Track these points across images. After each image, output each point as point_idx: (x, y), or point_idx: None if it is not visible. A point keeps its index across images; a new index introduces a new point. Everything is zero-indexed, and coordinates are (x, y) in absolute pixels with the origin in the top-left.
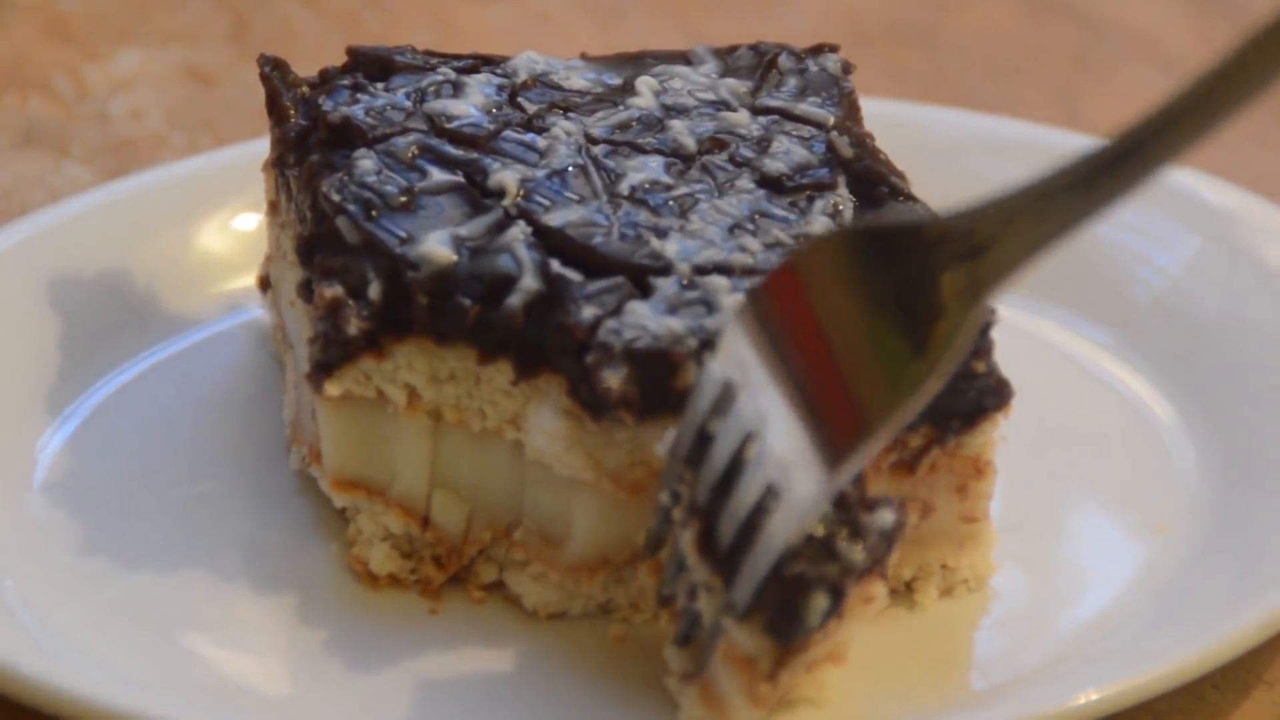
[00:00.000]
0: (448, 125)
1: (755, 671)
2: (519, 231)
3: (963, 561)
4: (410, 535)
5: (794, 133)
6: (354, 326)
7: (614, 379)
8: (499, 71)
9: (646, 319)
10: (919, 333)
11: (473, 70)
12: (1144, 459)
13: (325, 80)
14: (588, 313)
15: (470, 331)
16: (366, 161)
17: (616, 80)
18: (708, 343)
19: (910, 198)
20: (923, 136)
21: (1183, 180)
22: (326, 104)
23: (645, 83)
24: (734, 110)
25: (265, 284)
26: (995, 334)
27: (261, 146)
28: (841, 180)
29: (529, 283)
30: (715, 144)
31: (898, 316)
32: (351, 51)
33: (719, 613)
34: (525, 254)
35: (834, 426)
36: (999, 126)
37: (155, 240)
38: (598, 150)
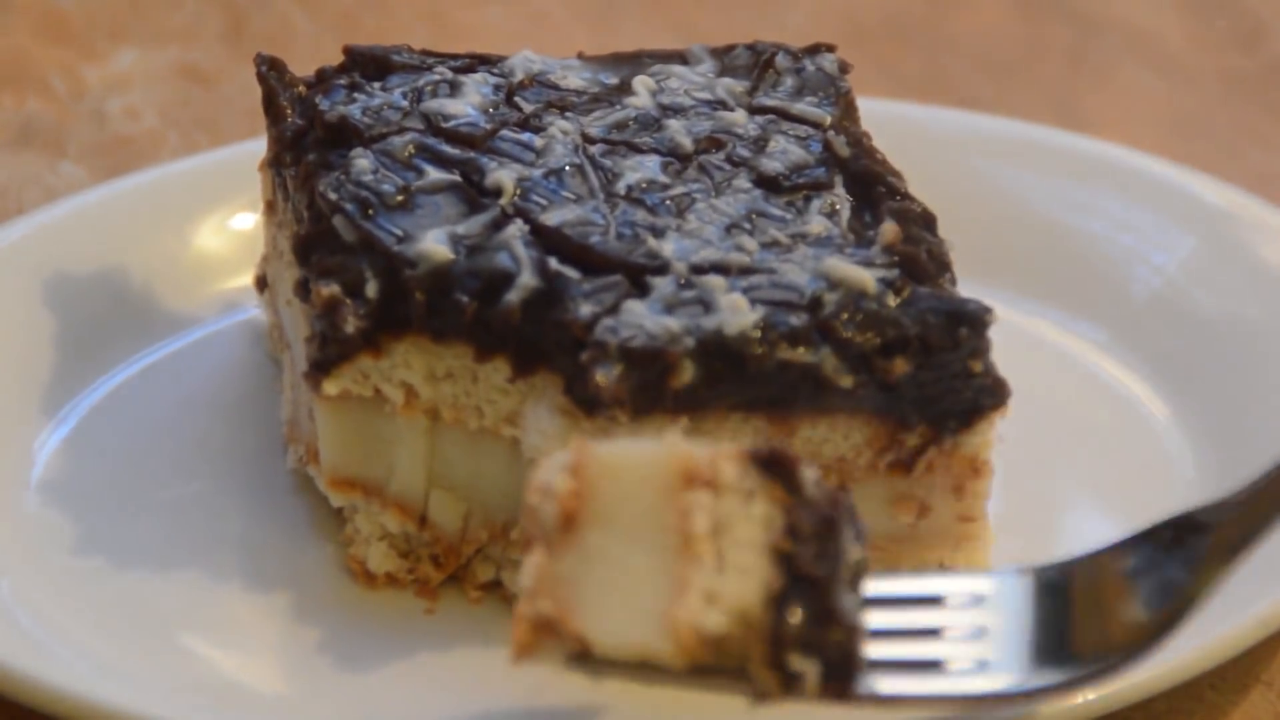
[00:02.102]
0: (444, 125)
1: None
2: (516, 229)
3: (960, 561)
4: (408, 534)
5: (791, 132)
6: (351, 325)
7: (606, 377)
8: (496, 71)
9: (643, 318)
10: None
11: (469, 70)
12: (1140, 458)
13: (322, 80)
14: (585, 310)
15: (468, 329)
16: (363, 161)
17: (613, 80)
18: (704, 342)
19: (907, 197)
20: (919, 136)
21: (1179, 179)
22: (323, 103)
23: (642, 82)
24: (731, 110)
25: (262, 283)
26: (992, 333)
27: (258, 146)
28: (838, 179)
29: (527, 280)
30: (712, 143)
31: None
32: (348, 51)
33: None
34: (523, 251)
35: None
36: (995, 126)
37: (152, 240)
38: (594, 150)
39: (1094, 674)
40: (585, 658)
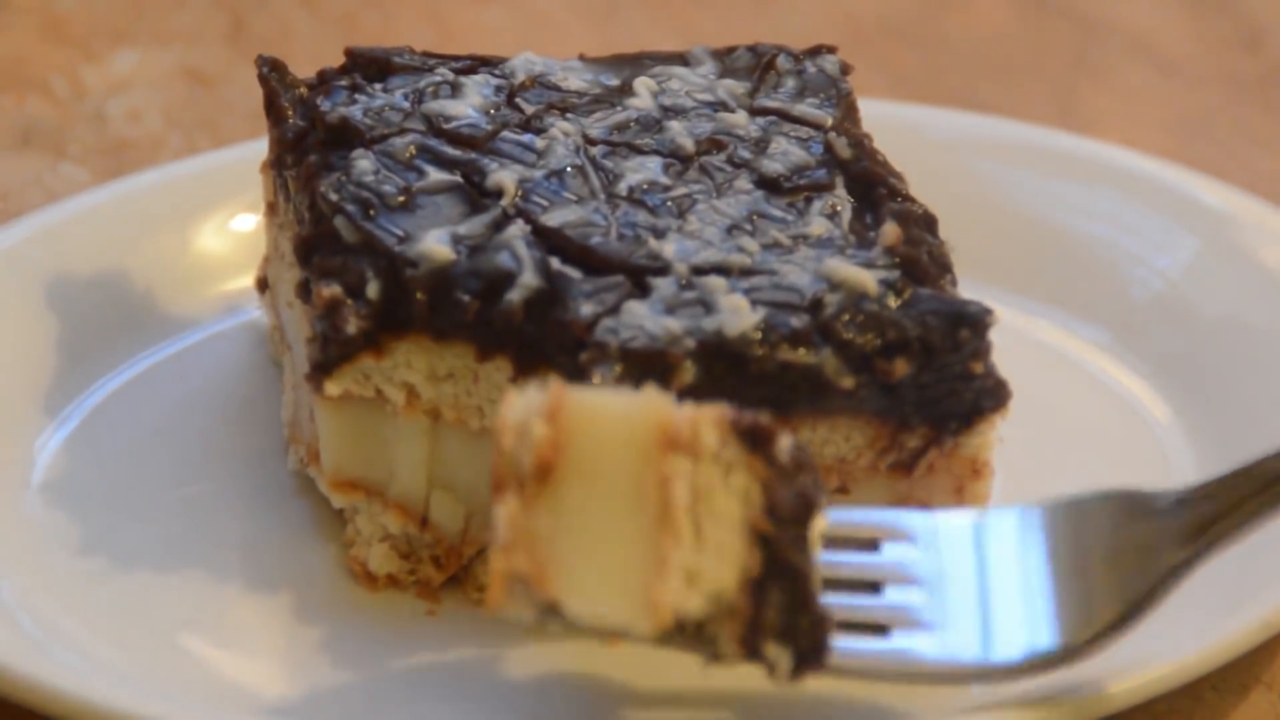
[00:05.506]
0: (446, 126)
1: None
2: (518, 230)
3: None
4: (409, 536)
5: (792, 134)
6: (353, 325)
7: (604, 377)
8: (497, 72)
9: (644, 318)
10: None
11: (470, 71)
12: (1141, 459)
13: (323, 81)
14: (586, 310)
15: (469, 328)
16: (364, 162)
17: (614, 81)
18: (705, 343)
19: (908, 198)
20: (920, 137)
21: (1180, 181)
22: (324, 105)
23: (643, 84)
24: (732, 111)
25: (263, 285)
26: (993, 335)
27: (259, 147)
28: (839, 181)
29: (528, 279)
30: (713, 145)
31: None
32: (349, 52)
33: None
34: (525, 251)
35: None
36: (996, 127)
37: (153, 241)
38: (596, 151)
39: (1058, 655)
40: (556, 613)
